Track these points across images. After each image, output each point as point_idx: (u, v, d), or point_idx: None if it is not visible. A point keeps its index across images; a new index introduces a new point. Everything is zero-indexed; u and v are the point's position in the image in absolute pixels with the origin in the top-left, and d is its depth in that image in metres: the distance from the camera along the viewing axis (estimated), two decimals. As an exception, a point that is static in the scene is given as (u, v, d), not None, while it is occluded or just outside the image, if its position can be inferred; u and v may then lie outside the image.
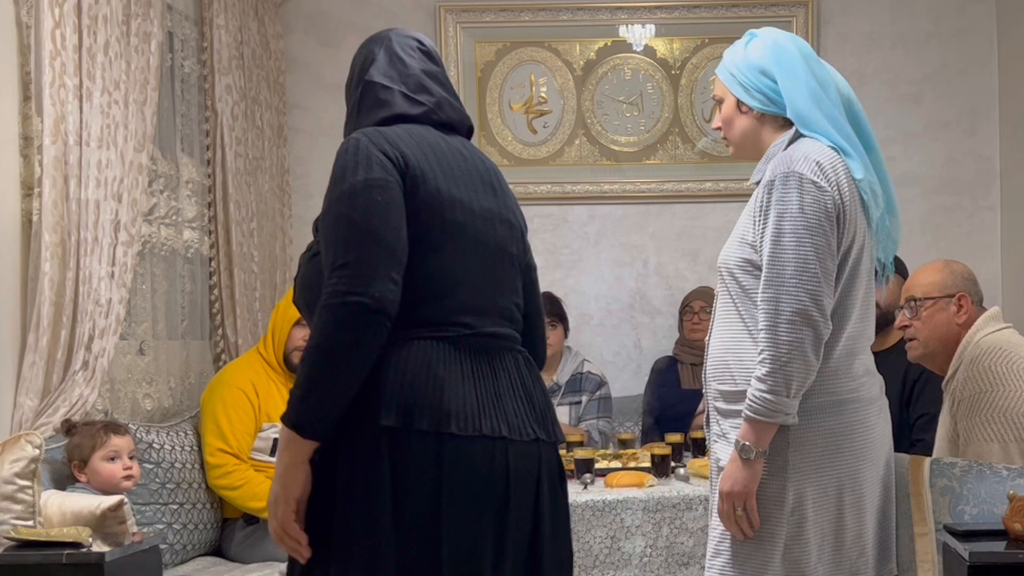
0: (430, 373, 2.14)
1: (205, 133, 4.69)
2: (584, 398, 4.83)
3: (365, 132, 2.25)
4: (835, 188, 2.47)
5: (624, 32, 5.55)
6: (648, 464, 3.79)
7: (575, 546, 3.37)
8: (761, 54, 2.62)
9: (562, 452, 4.01)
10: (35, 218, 3.51)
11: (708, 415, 2.69)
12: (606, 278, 5.59)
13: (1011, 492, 2.70)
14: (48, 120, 3.53)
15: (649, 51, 5.56)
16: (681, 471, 3.74)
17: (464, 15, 5.53)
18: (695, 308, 5.10)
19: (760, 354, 2.45)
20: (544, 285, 5.19)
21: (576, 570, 3.37)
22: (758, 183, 2.58)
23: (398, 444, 2.11)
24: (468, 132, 2.48)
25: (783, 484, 2.49)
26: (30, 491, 2.65)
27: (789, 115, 2.57)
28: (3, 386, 3.45)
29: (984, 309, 3.28)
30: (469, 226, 2.25)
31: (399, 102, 2.37)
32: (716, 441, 2.63)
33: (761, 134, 2.63)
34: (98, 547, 2.53)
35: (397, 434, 2.10)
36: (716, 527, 2.57)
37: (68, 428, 3.35)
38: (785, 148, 2.54)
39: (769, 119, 2.62)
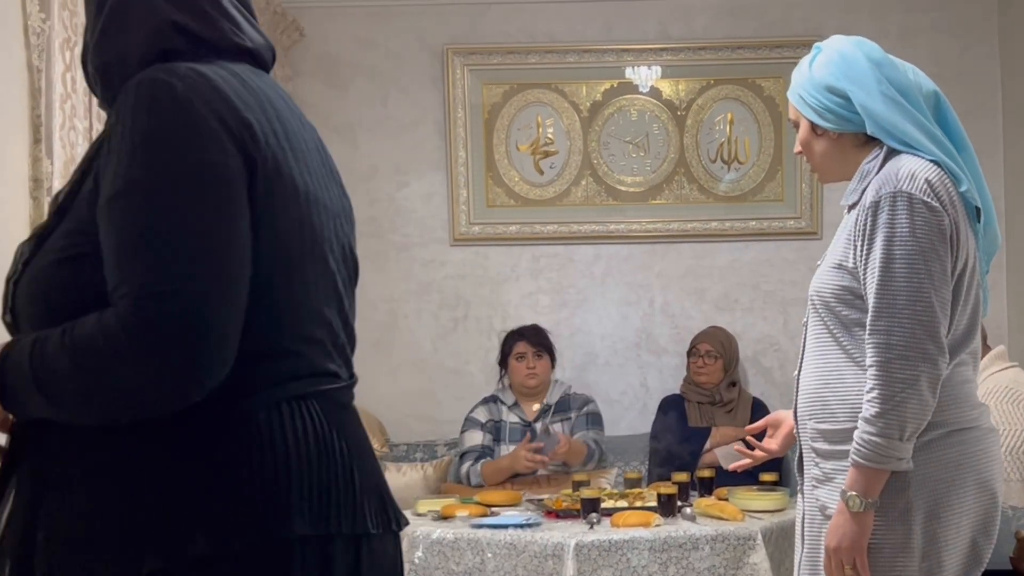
0: (335, 452, 1.55)
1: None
2: (573, 414, 4.88)
3: (176, 71, 1.47)
4: (949, 207, 2.27)
5: (630, 74, 5.59)
6: (655, 503, 3.78)
7: (582, 586, 3.37)
8: (826, 70, 2.41)
9: (567, 492, 4.04)
10: (45, 259, 3.54)
11: (801, 458, 2.47)
12: (612, 317, 5.60)
13: (1018, 531, 2.69)
14: (58, 162, 3.57)
15: (655, 92, 5.60)
16: (688, 511, 3.73)
17: (471, 57, 5.58)
18: (701, 351, 5.10)
19: (869, 392, 2.23)
20: (550, 324, 5.28)
21: (583, 611, 3.37)
22: (852, 205, 2.38)
23: (314, 557, 1.50)
24: (272, 65, 1.71)
25: (908, 529, 2.26)
26: None
27: (870, 131, 2.36)
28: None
29: (990, 348, 3.29)
30: (327, 233, 1.61)
31: (191, 16, 1.58)
32: (817, 486, 2.39)
33: (844, 154, 2.43)
34: None
35: (310, 544, 1.50)
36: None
37: None
38: (881, 166, 2.34)
39: (849, 138, 2.41)
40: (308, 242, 1.56)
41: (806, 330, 2.46)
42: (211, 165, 1.43)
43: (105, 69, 1.59)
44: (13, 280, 1.55)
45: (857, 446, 2.23)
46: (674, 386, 5.27)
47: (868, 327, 2.25)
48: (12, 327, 1.56)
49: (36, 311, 1.49)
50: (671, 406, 5.11)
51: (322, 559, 1.50)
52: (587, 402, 4.96)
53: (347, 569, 1.53)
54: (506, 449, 4.74)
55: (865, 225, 2.28)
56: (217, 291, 1.40)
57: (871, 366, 2.24)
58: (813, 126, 2.45)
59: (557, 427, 4.76)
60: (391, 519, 1.63)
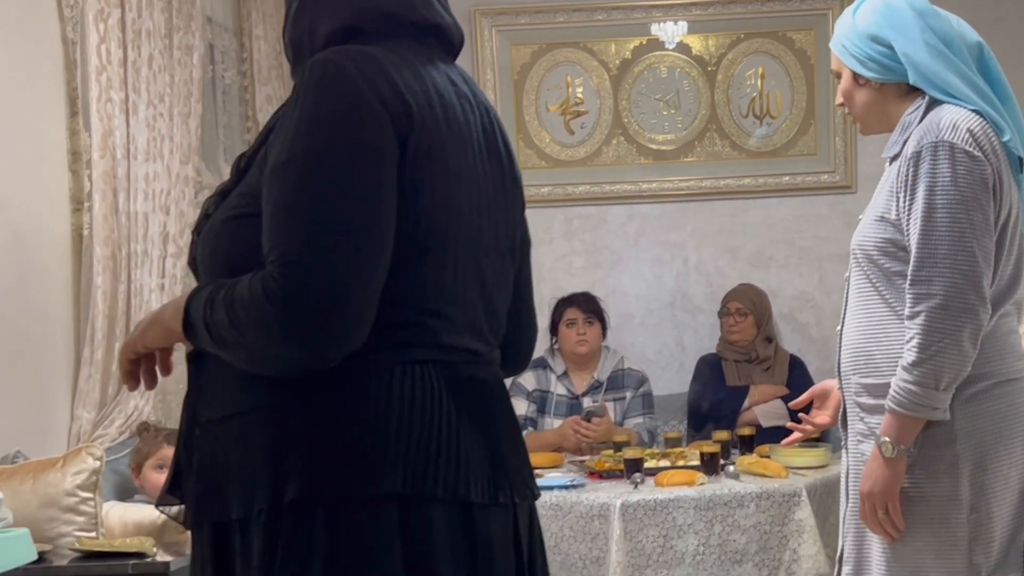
0: (442, 418, 1.57)
1: (247, 143, 4.72)
2: (628, 394, 4.83)
3: (349, 53, 1.56)
4: (991, 157, 2.24)
5: (656, 30, 5.55)
6: (697, 462, 3.79)
7: (627, 545, 3.39)
8: (870, 19, 2.38)
9: (609, 453, 4.06)
10: (85, 232, 3.56)
11: (845, 412, 2.46)
12: (646, 277, 5.59)
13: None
14: (96, 135, 3.58)
15: (684, 48, 5.56)
16: (731, 468, 3.74)
17: (499, 18, 5.55)
18: (731, 310, 5.08)
19: (909, 342, 2.22)
20: (584, 286, 5.27)
21: (630, 570, 3.39)
22: (894, 157, 2.36)
23: (409, 518, 1.53)
24: (459, 47, 1.78)
25: (956, 482, 2.25)
26: (92, 503, 2.69)
27: (912, 81, 2.34)
28: (60, 399, 3.50)
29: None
30: (475, 215, 1.65)
31: None
32: (862, 441, 2.38)
33: (886, 105, 2.41)
34: (162, 557, 2.56)
35: (406, 505, 1.53)
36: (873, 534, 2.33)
37: (141, 430, 3.39)
38: (923, 116, 2.32)
39: (891, 88, 2.39)
40: (453, 222, 1.61)
41: (848, 284, 2.45)
42: (365, 145, 1.50)
43: (296, 43, 1.70)
44: (196, 231, 1.68)
45: (893, 393, 2.23)
46: (710, 345, 5.27)
47: (909, 277, 2.24)
48: (195, 274, 1.69)
49: (210, 262, 1.62)
50: (708, 365, 5.10)
51: (419, 521, 1.53)
52: (642, 381, 4.89)
53: (449, 535, 1.55)
54: (550, 421, 4.72)
55: (907, 176, 2.27)
56: (357, 266, 1.47)
57: (911, 316, 2.23)
58: (855, 76, 2.43)
59: (610, 406, 4.73)
60: (505, 492, 1.63)
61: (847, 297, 2.45)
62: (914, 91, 2.37)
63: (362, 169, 1.50)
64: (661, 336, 5.59)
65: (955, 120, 2.26)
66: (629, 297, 5.59)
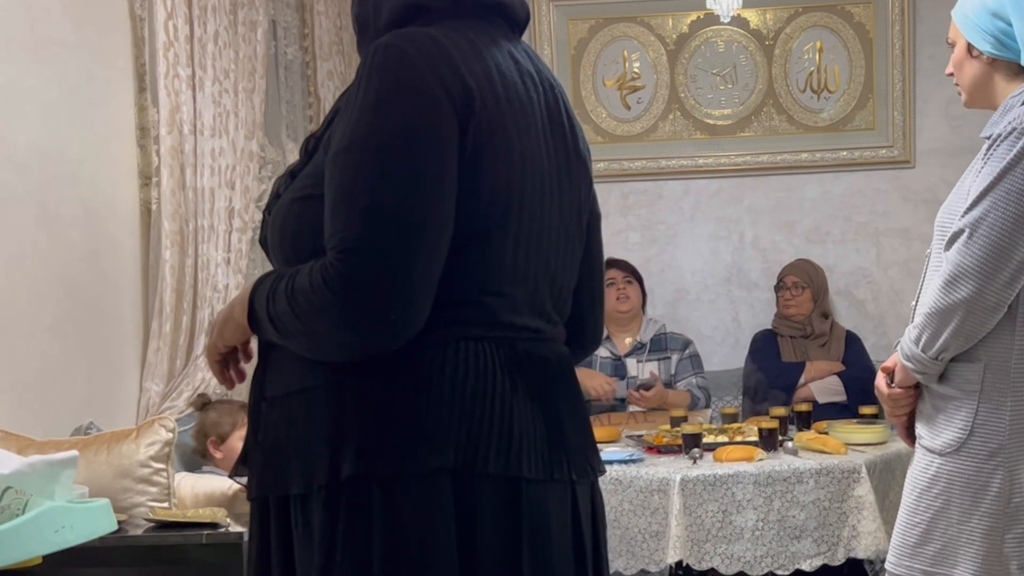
0: (496, 393, 1.57)
1: (309, 119, 4.77)
2: (674, 356, 4.86)
3: (411, 36, 1.57)
4: None
5: (711, 4, 5.50)
6: (755, 438, 3.80)
7: (687, 520, 3.42)
8: None
9: (666, 427, 4.07)
10: (154, 207, 3.62)
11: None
12: (702, 252, 5.59)
13: None
14: (164, 110, 3.64)
15: (742, 22, 5.54)
16: (789, 444, 3.75)
17: (556, -8, 5.56)
18: (787, 284, 5.07)
19: (927, 299, 2.30)
20: (640, 261, 5.29)
21: (689, 544, 3.42)
22: (989, 138, 2.33)
23: (460, 492, 1.54)
24: (525, 23, 1.77)
25: (993, 471, 2.26)
26: (164, 474, 2.74)
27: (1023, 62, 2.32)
28: (129, 372, 3.57)
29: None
30: (537, 194, 1.64)
31: None
32: (917, 419, 2.44)
33: (993, 82, 2.41)
34: (235, 527, 2.61)
35: (459, 479, 1.54)
36: (922, 512, 2.35)
37: (203, 404, 3.44)
38: None
39: (1002, 65, 2.38)
40: (515, 202, 1.61)
41: (928, 260, 2.45)
42: (425, 129, 1.51)
43: (362, 21, 1.72)
44: (267, 211, 1.70)
45: (903, 339, 2.36)
46: (766, 320, 5.27)
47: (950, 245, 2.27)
48: (266, 252, 1.71)
49: (279, 242, 1.64)
50: (764, 341, 5.10)
51: (471, 495, 1.54)
52: (687, 343, 4.93)
53: (499, 509, 1.56)
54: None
55: (988, 156, 2.28)
56: (415, 252, 1.48)
57: (941, 276, 2.27)
58: (969, 47, 2.43)
59: (653, 365, 4.78)
60: (562, 468, 1.62)
61: (926, 272, 2.45)
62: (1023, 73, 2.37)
63: (422, 154, 1.50)
64: (717, 312, 5.59)
65: None
66: (685, 272, 5.59)
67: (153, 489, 2.72)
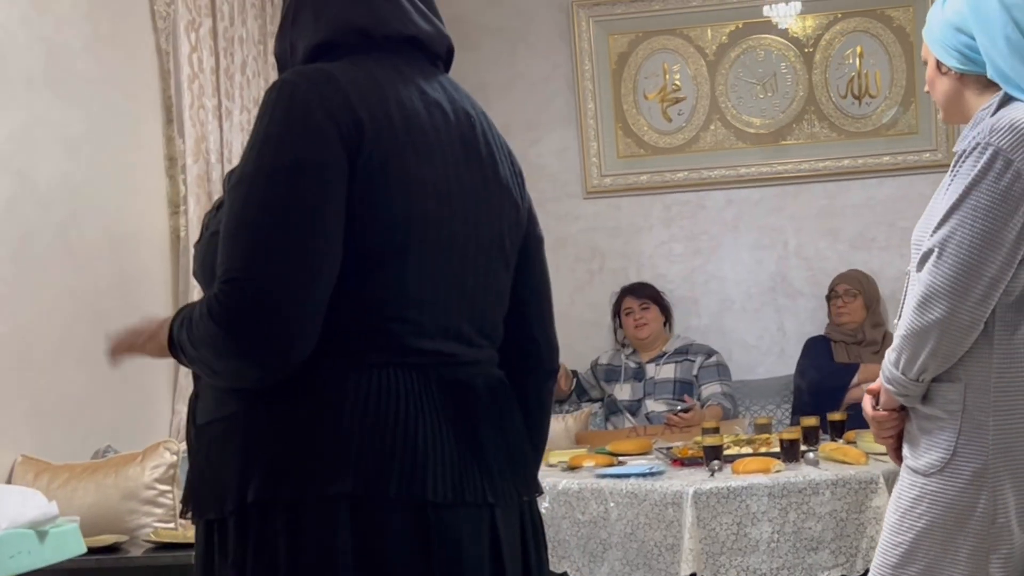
0: (399, 418, 1.59)
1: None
2: (697, 359, 4.93)
3: (306, 73, 1.62)
4: None
5: (768, 12, 5.45)
6: (778, 449, 3.80)
7: (700, 533, 3.44)
8: (957, 9, 2.36)
9: (698, 439, 4.08)
10: (182, 234, 3.75)
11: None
12: (746, 262, 5.58)
13: None
14: (190, 140, 3.77)
15: (781, 30, 5.52)
16: (811, 455, 3.73)
17: (596, 8, 5.60)
18: (840, 292, 5.07)
19: (901, 323, 2.29)
20: (683, 272, 5.32)
21: (703, 557, 3.44)
22: (957, 152, 2.31)
23: (362, 518, 1.56)
24: (448, 57, 1.85)
25: (977, 491, 2.24)
26: (170, 495, 2.84)
27: (990, 75, 2.30)
28: (162, 394, 3.70)
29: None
30: (445, 220, 1.67)
31: (357, 11, 1.72)
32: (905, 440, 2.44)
33: (964, 96, 2.39)
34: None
35: (360, 505, 1.56)
36: (905, 532, 2.34)
37: None
38: (994, 113, 2.28)
39: (971, 80, 2.36)
40: (416, 228, 1.63)
41: (908, 279, 2.41)
42: (310, 164, 1.55)
43: (282, 59, 1.78)
44: (197, 243, 1.77)
45: (884, 362, 2.34)
46: (811, 329, 5.25)
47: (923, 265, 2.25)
48: (200, 284, 1.77)
49: (201, 274, 1.71)
50: (816, 344, 5.09)
51: (372, 521, 1.57)
52: (712, 352, 5.00)
53: (404, 534, 1.58)
54: (619, 388, 5.00)
55: (955, 172, 2.25)
56: (294, 282, 1.53)
57: (914, 296, 2.24)
58: (939, 63, 2.42)
59: (670, 368, 4.92)
60: (475, 491, 1.64)
61: (906, 292, 2.42)
62: (994, 85, 2.33)
63: (304, 187, 1.54)
64: (762, 321, 5.58)
65: (1014, 120, 2.21)
66: (729, 282, 5.59)
67: (158, 510, 2.82)
